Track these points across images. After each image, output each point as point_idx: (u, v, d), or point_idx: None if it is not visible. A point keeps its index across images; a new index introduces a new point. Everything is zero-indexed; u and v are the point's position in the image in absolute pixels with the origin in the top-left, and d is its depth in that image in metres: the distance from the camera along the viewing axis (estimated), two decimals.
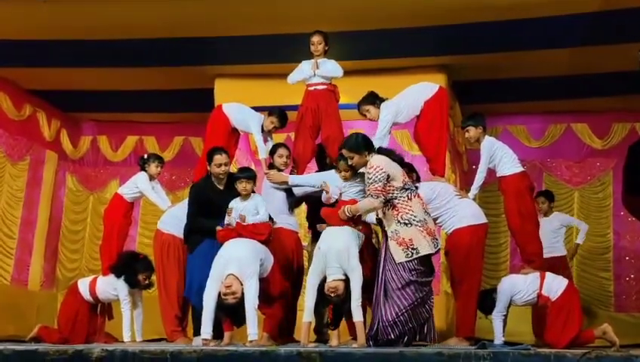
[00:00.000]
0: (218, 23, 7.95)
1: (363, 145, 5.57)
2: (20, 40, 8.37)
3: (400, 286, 5.34)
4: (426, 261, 5.43)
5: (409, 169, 6.20)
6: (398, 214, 5.39)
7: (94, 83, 9.59)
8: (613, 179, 10.09)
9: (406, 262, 5.33)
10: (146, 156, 7.59)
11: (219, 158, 6.26)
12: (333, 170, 6.04)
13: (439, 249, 5.57)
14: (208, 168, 6.33)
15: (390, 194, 5.41)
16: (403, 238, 5.34)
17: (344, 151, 5.68)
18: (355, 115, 6.80)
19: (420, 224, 5.37)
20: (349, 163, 5.69)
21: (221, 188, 6.30)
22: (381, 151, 5.64)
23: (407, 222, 5.36)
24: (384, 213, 5.49)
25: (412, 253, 5.33)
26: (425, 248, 5.35)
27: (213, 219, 6.00)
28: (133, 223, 8.12)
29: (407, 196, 5.42)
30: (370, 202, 5.40)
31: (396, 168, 5.49)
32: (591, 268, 10.01)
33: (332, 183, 5.99)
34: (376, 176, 5.36)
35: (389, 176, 5.38)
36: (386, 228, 5.46)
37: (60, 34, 8.21)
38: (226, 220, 5.87)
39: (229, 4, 7.61)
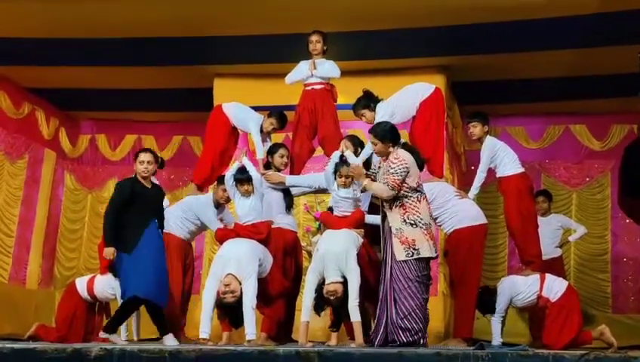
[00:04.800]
0: (217, 22, 7.94)
1: (390, 134, 5.55)
2: (19, 38, 8.35)
3: (406, 285, 5.33)
4: (426, 265, 5.45)
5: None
6: (405, 213, 5.39)
7: (93, 81, 9.58)
8: (611, 181, 10.09)
9: (408, 261, 5.34)
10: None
11: (142, 156, 6.29)
12: (328, 170, 5.92)
13: (437, 255, 5.61)
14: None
15: (402, 192, 5.41)
16: (406, 237, 5.35)
17: (370, 136, 5.65)
18: (354, 116, 6.79)
19: (424, 227, 5.40)
20: (373, 149, 5.66)
21: (148, 186, 6.30)
22: (406, 146, 5.62)
23: (412, 222, 5.37)
24: (390, 210, 5.47)
25: (413, 253, 5.34)
26: (426, 251, 5.37)
27: (142, 216, 6.07)
28: None
29: (417, 198, 5.44)
30: (383, 190, 5.40)
31: (416, 167, 5.50)
32: (589, 269, 10.01)
33: (327, 184, 5.96)
34: (399, 168, 5.37)
35: (408, 171, 5.39)
36: (390, 225, 5.45)
37: (59, 32, 8.20)
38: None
39: (228, 4, 7.61)
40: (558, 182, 10.26)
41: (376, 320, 5.54)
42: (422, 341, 5.33)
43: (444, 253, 6.67)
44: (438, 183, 6.41)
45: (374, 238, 6.02)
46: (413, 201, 5.41)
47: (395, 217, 5.43)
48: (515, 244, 6.92)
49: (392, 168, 5.40)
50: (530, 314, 7.84)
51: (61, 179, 10.97)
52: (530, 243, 6.52)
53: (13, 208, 9.90)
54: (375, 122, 6.36)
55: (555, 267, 7.91)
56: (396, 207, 5.43)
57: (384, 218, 5.57)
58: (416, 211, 5.40)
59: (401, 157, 5.42)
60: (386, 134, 5.54)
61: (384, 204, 5.53)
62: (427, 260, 5.45)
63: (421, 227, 5.38)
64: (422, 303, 5.36)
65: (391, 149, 5.53)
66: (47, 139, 10.47)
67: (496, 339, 6.20)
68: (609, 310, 9.82)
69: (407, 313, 5.30)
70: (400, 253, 5.36)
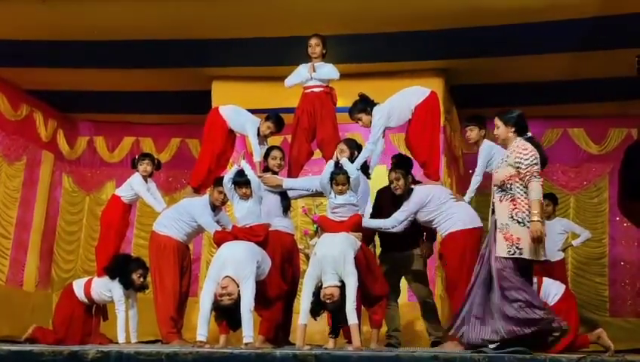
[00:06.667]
0: (216, 25, 7.95)
1: (515, 120, 5.43)
2: (18, 40, 8.36)
3: (511, 278, 5.11)
4: (526, 270, 5.22)
5: (407, 172, 6.24)
6: (514, 209, 5.17)
7: (91, 83, 9.59)
8: (609, 185, 10.11)
9: (508, 258, 5.14)
10: (137, 156, 7.62)
11: None
12: (323, 178, 5.85)
13: (544, 260, 5.28)
14: None
15: (515, 187, 5.22)
16: (511, 234, 5.12)
17: (495, 119, 5.52)
18: None
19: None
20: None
21: None
22: (531, 141, 5.38)
23: (520, 220, 5.14)
24: (500, 202, 5.27)
25: (514, 251, 5.11)
26: (527, 253, 5.13)
27: None
28: (129, 225, 8.12)
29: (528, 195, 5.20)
30: (536, 183, 5.13)
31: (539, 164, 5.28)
32: (586, 273, 10.02)
33: (322, 188, 5.96)
34: (533, 159, 5.16)
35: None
36: (497, 218, 5.26)
37: (58, 34, 8.22)
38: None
39: (226, 7, 7.62)
40: (556, 185, 10.26)
41: (475, 322, 5.33)
42: (558, 323, 5.13)
43: (439, 256, 6.66)
44: (434, 186, 6.40)
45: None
46: (524, 198, 5.19)
47: (503, 211, 5.21)
48: None
49: (526, 159, 5.17)
50: None
51: (59, 181, 10.97)
52: None
53: (11, 210, 9.91)
54: (372, 126, 6.38)
55: (557, 270, 7.91)
56: (506, 200, 5.22)
57: (492, 211, 5.37)
58: (526, 209, 5.15)
59: (530, 148, 5.23)
60: (511, 119, 5.43)
61: (495, 196, 5.34)
62: (527, 261, 5.20)
63: (528, 226, 5.11)
64: (533, 292, 5.21)
65: (510, 134, 5.39)
66: (45, 141, 10.48)
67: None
68: (606, 313, 9.84)
69: (526, 304, 5.08)
70: (502, 249, 5.15)
